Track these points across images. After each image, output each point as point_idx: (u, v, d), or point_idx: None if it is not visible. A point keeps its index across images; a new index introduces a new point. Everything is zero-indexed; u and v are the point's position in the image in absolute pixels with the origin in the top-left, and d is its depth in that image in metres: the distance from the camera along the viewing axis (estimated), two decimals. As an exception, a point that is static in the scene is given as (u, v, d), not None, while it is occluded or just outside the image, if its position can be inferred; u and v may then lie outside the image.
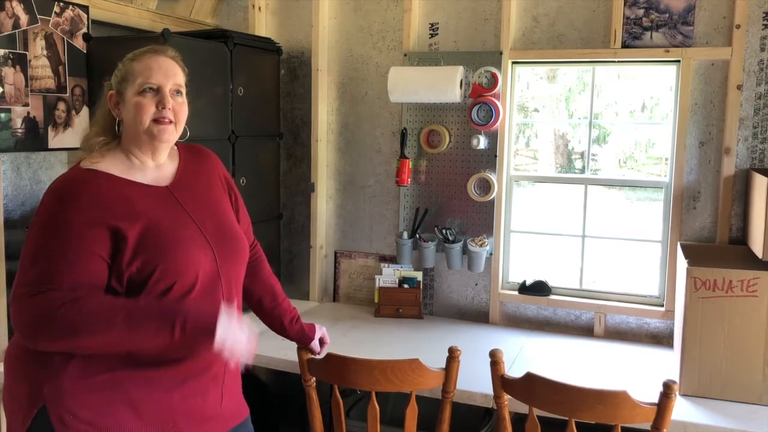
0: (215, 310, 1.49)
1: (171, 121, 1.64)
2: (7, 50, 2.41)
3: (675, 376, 2.28)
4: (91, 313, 1.44)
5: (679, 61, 2.72)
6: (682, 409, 2.12)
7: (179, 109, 1.66)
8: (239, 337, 1.52)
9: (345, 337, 2.80)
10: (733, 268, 2.20)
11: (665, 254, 2.83)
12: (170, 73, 1.65)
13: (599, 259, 3.13)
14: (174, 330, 1.45)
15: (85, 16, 2.70)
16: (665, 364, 2.56)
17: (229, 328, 1.50)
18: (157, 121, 1.62)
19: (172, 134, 1.66)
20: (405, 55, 3.13)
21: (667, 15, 2.72)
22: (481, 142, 2.98)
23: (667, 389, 1.75)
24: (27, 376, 1.55)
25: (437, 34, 3.11)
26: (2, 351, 2.44)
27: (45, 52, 2.56)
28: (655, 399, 1.77)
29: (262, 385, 3.25)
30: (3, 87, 2.42)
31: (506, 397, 1.98)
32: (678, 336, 2.39)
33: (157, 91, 1.63)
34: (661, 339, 2.83)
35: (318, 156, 3.32)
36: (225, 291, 1.68)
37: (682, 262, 2.40)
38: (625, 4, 2.77)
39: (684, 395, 2.24)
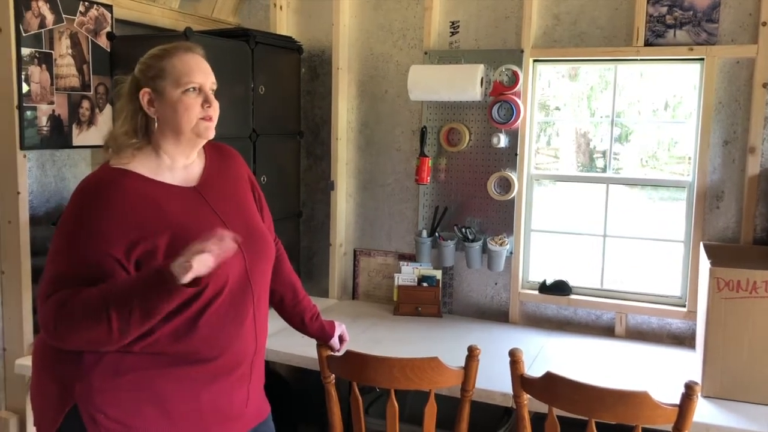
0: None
1: (212, 119, 1.66)
2: (33, 49, 2.45)
3: (697, 377, 2.25)
4: (79, 312, 1.43)
5: (703, 59, 2.69)
6: (704, 411, 2.10)
7: (216, 108, 1.68)
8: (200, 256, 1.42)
9: (364, 335, 2.81)
10: (757, 268, 2.17)
11: (688, 254, 2.80)
12: (207, 72, 1.66)
13: (620, 259, 3.10)
14: (137, 300, 1.42)
15: (109, 15, 2.73)
16: (687, 365, 2.53)
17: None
18: (203, 119, 1.63)
19: (213, 132, 1.68)
20: (425, 53, 3.13)
21: (691, 12, 2.69)
22: (502, 141, 2.97)
23: (689, 390, 1.73)
24: (56, 375, 1.56)
25: (458, 32, 3.10)
26: (29, 346, 2.48)
27: (70, 51, 2.59)
28: (677, 400, 1.76)
29: (283, 382, 3.26)
30: (29, 85, 2.45)
31: (526, 396, 1.97)
32: (700, 337, 2.36)
33: (200, 90, 1.63)
34: (683, 340, 2.81)
35: (338, 154, 3.33)
36: (254, 290, 1.69)
37: (704, 263, 2.37)
38: (648, 2, 2.74)
39: (706, 397, 2.21)
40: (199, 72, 1.64)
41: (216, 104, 1.66)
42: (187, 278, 1.39)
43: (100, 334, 1.44)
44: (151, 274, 1.44)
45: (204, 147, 1.78)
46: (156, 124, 1.62)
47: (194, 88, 1.62)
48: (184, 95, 1.61)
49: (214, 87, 1.68)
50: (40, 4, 2.45)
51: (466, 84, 2.92)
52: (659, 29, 2.74)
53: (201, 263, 1.40)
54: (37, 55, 2.47)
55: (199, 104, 1.62)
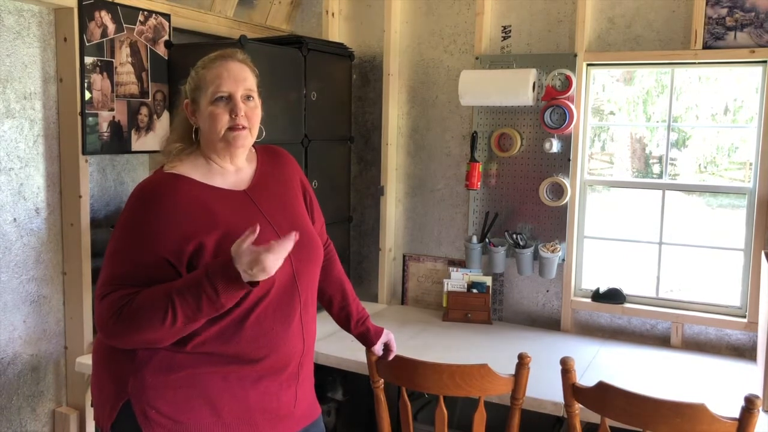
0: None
1: (245, 127, 1.66)
2: (95, 58, 2.54)
3: (758, 390, 2.18)
4: (142, 307, 1.48)
5: (765, 61, 2.61)
6: (765, 427, 2.02)
7: (252, 113, 1.68)
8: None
9: (413, 341, 2.81)
10: (823, 279, 2.09)
11: (748, 263, 2.71)
12: (239, 78, 1.66)
13: (677, 268, 3.02)
14: (206, 289, 1.46)
15: (167, 23, 2.81)
16: (747, 378, 2.45)
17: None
18: (231, 128, 1.65)
19: (247, 139, 1.69)
20: (477, 58, 3.12)
21: (753, 14, 2.61)
22: (554, 146, 2.93)
23: (750, 404, 1.67)
24: (112, 371, 1.62)
25: (510, 36, 3.08)
26: (89, 345, 2.56)
27: (129, 59, 2.67)
28: (736, 414, 1.70)
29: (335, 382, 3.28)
30: (91, 93, 2.54)
31: (577, 406, 1.94)
32: (762, 349, 2.28)
33: (229, 98, 1.65)
34: (743, 351, 2.71)
35: (388, 159, 3.34)
36: (301, 292, 1.71)
37: (766, 272, 2.29)
38: (707, 4, 2.66)
39: (768, 411, 2.14)
40: (228, 80, 1.65)
41: (251, 110, 1.67)
42: (262, 277, 1.45)
43: (156, 330, 1.48)
44: (217, 268, 1.47)
45: (256, 150, 1.82)
46: (200, 132, 1.69)
47: (221, 98, 1.64)
48: (212, 106, 1.64)
49: (251, 93, 1.68)
50: (103, 14, 2.54)
51: (518, 89, 2.89)
52: (719, 31, 2.66)
53: (273, 262, 1.44)
54: (99, 64, 2.56)
55: (227, 114, 1.64)
